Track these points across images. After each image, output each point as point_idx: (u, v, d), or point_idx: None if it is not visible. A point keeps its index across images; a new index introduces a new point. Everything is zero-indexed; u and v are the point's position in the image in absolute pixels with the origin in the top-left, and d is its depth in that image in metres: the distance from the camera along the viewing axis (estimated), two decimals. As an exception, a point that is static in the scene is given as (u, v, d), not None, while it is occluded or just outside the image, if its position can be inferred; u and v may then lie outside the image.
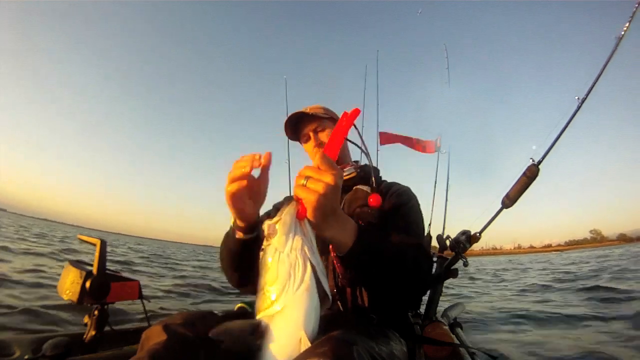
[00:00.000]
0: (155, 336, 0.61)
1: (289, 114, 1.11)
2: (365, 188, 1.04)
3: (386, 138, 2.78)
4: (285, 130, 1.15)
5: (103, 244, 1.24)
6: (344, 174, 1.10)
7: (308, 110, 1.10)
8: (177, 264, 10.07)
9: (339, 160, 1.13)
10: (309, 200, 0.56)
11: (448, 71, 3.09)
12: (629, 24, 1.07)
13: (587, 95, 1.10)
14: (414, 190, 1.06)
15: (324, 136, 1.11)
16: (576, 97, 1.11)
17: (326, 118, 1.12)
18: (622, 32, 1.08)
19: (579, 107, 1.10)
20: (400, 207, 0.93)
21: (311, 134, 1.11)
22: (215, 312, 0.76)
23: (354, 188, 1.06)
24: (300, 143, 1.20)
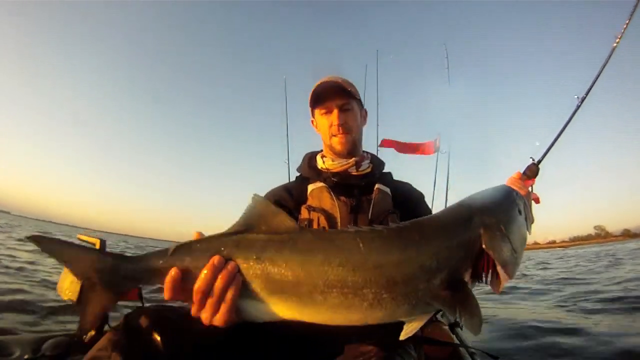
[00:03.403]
0: (117, 327, 0.68)
1: (322, 80, 1.00)
2: (385, 189, 0.99)
3: (387, 143, 2.80)
4: (311, 96, 1.02)
5: (102, 243, 1.23)
6: (361, 168, 1.03)
7: (340, 82, 0.99)
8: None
9: (354, 151, 1.05)
10: None
11: (448, 71, 3.10)
12: (628, 22, 1.07)
13: (586, 94, 1.10)
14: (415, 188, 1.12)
15: (349, 118, 1.02)
16: (576, 96, 1.11)
17: (357, 99, 1.05)
18: (622, 31, 1.08)
19: (578, 106, 1.10)
20: None
21: (336, 110, 1.01)
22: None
23: (376, 188, 0.98)
24: (315, 112, 1.06)
